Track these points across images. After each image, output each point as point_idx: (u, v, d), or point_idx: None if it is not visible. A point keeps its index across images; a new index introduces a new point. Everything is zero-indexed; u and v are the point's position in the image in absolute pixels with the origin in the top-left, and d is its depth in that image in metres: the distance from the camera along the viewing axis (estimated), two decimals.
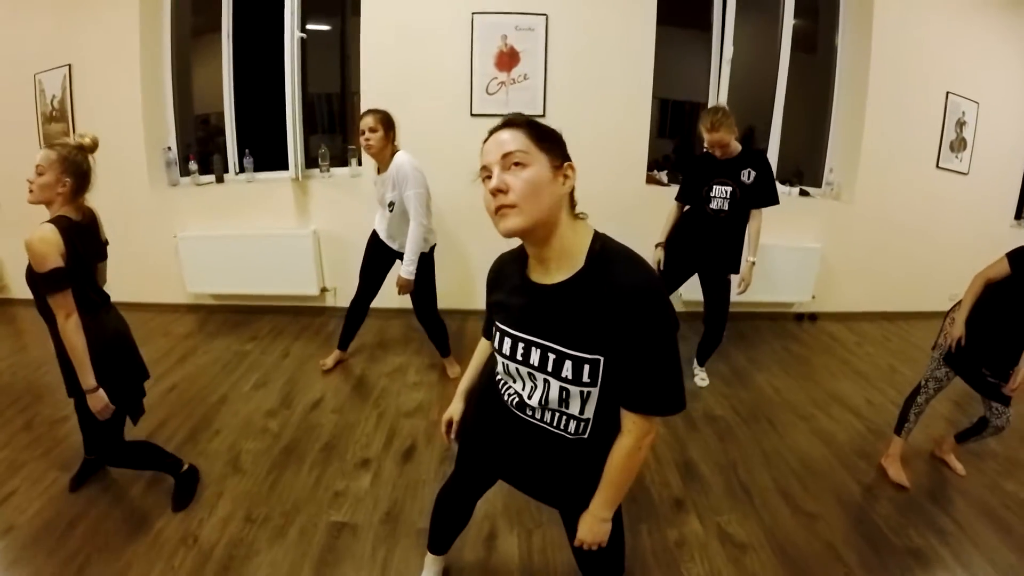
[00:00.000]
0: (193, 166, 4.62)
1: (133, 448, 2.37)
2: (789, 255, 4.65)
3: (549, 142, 1.12)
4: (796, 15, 4.72)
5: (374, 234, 3.50)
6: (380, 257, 3.48)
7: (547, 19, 4.18)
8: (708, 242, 3.37)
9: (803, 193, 4.88)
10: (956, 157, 4.98)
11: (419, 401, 3.30)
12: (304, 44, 4.37)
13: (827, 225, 4.79)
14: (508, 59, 4.21)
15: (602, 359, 1.11)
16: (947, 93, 4.79)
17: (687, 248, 3.45)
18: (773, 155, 4.83)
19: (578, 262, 1.12)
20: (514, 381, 1.26)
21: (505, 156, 1.07)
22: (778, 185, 4.80)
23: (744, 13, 4.57)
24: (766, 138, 4.86)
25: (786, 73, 4.72)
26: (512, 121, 1.12)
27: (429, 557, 1.98)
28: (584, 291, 1.10)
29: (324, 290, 4.69)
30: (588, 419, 1.21)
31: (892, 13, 4.50)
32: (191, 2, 4.68)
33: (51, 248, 1.90)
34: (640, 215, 3.82)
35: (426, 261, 3.30)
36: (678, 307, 4.76)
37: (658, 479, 2.68)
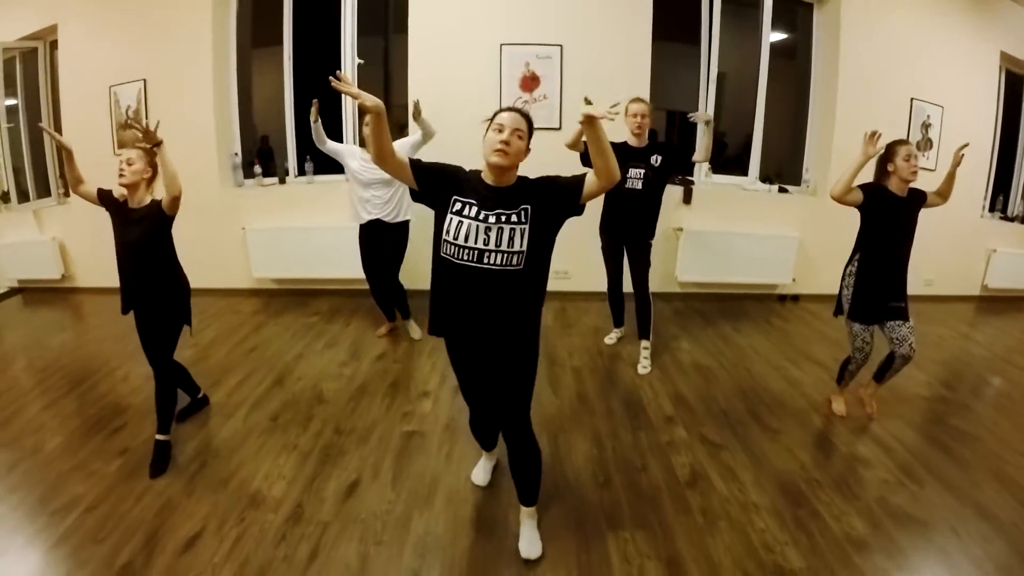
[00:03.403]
0: (257, 169, 5.37)
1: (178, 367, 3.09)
2: (769, 242, 5.36)
3: (531, 130, 2.01)
4: (778, 25, 5.40)
5: (364, 233, 4.11)
6: (373, 244, 4.11)
7: (562, 49, 5.04)
8: (627, 216, 3.88)
9: (782, 190, 5.57)
10: (923, 155, 5.58)
11: None
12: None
13: (804, 218, 5.46)
14: (530, 82, 5.07)
15: (529, 207, 1.95)
16: (911, 99, 5.44)
17: (614, 229, 3.97)
18: (756, 157, 5.54)
19: (515, 179, 2.01)
20: (475, 241, 1.92)
21: (515, 129, 1.93)
22: (758, 183, 5.51)
23: (729, 25, 5.26)
24: (749, 141, 5.55)
25: (766, 82, 5.40)
26: (521, 112, 2.00)
27: (484, 454, 2.68)
28: (518, 185, 2.00)
29: None
30: (523, 251, 1.94)
31: (858, 26, 5.17)
32: (251, 19, 5.44)
33: None
34: None
35: (408, 227, 4.11)
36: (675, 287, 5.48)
37: (654, 404, 3.41)
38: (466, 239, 1.93)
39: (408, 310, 4.34)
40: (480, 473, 2.65)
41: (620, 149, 3.70)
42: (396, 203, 3.99)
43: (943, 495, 2.65)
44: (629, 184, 3.78)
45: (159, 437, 2.80)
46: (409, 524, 2.37)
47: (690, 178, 5.35)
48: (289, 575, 2.10)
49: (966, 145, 3.08)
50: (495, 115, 2.00)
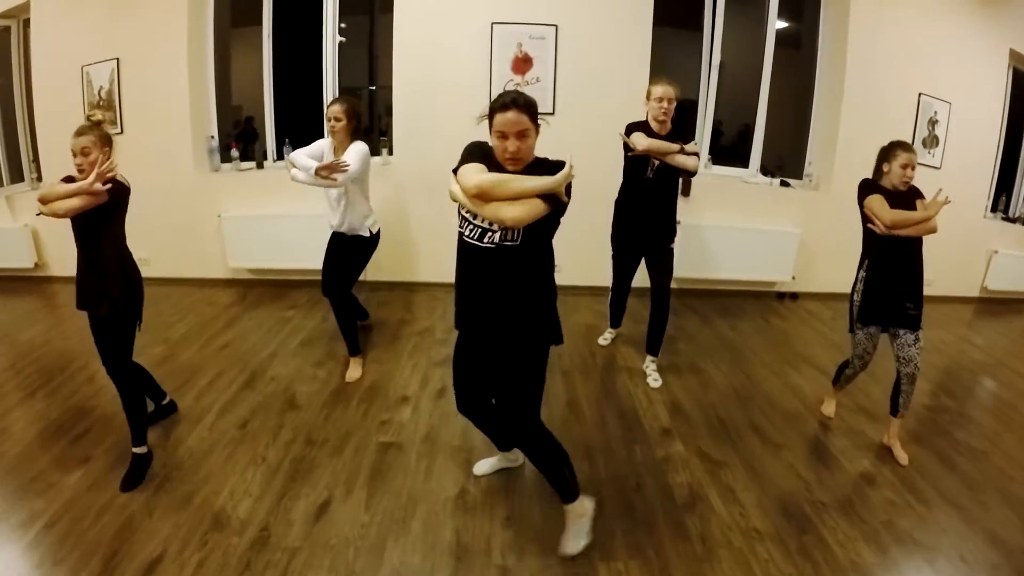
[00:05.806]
0: (235, 153, 5.11)
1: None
2: (769, 238, 5.17)
3: (535, 115, 1.90)
4: (782, 14, 5.21)
5: (330, 240, 3.62)
6: (333, 251, 3.62)
7: (557, 29, 4.77)
8: (643, 211, 3.52)
9: (784, 184, 5.37)
10: (928, 153, 5.41)
11: (446, 354, 3.77)
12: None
13: (806, 213, 5.27)
14: (523, 64, 4.80)
15: None
16: (919, 94, 5.24)
17: (630, 234, 3.61)
18: (757, 149, 5.33)
19: (532, 159, 1.95)
20: (480, 220, 1.93)
21: (518, 132, 1.84)
22: (759, 176, 5.31)
23: (733, 13, 5.06)
24: (752, 132, 5.35)
25: (770, 73, 5.20)
26: (517, 103, 1.84)
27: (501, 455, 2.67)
28: (533, 167, 1.92)
29: None
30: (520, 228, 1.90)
31: (867, 17, 4.98)
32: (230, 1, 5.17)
33: None
34: None
35: (369, 244, 3.58)
36: None
37: (650, 414, 3.22)
38: (475, 215, 1.94)
39: (357, 345, 3.63)
40: (483, 464, 2.67)
41: (641, 128, 3.39)
42: (344, 213, 3.46)
43: (951, 518, 2.52)
44: (650, 172, 3.44)
45: (135, 450, 2.60)
46: (383, 552, 2.17)
47: None
48: None
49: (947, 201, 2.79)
50: (492, 113, 1.91)
